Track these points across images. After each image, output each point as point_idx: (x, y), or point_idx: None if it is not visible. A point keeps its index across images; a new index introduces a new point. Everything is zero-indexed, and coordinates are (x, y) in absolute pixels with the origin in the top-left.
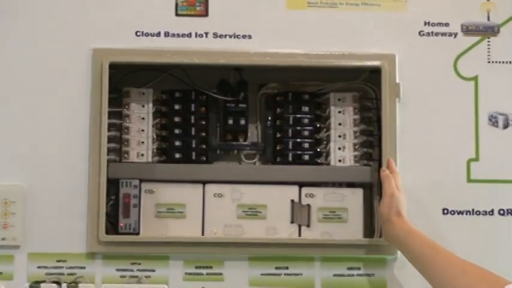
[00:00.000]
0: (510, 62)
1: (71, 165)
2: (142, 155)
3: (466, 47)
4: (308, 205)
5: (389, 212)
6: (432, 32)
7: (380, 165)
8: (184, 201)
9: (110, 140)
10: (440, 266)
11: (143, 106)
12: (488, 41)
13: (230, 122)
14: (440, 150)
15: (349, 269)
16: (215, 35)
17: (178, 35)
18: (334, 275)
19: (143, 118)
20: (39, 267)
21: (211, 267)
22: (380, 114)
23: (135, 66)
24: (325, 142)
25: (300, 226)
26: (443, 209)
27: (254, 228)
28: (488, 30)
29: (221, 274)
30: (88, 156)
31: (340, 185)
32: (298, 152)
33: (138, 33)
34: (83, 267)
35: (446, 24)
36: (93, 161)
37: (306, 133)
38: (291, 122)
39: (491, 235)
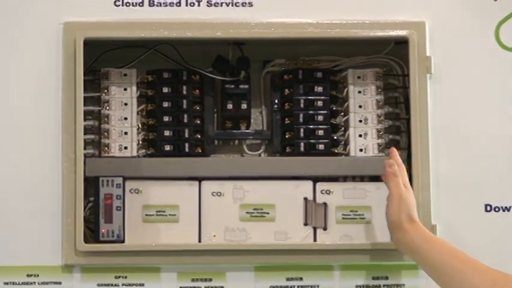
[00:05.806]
0: None
1: (41, 162)
2: (125, 148)
3: (511, 11)
4: (324, 204)
5: (400, 218)
6: None
7: (409, 155)
8: (177, 202)
9: (87, 130)
10: (465, 277)
11: (125, 89)
12: None
13: (229, 106)
14: (480, 135)
15: (374, 278)
16: (209, 3)
17: (165, 4)
18: (357, 286)
19: (126, 104)
20: (6, 283)
21: (210, 280)
22: (408, 93)
23: (114, 43)
24: (343, 128)
25: (315, 229)
26: (486, 205)
27: (260, 232)
28: None
29: None
30: (61, 150)
31: (362, 179)
32: (312, 141)
33: (117, 3)
34: (59, 283)
35: None
36: (68, 156)
37: (320, 118)
38: (301, 105)
39: None
